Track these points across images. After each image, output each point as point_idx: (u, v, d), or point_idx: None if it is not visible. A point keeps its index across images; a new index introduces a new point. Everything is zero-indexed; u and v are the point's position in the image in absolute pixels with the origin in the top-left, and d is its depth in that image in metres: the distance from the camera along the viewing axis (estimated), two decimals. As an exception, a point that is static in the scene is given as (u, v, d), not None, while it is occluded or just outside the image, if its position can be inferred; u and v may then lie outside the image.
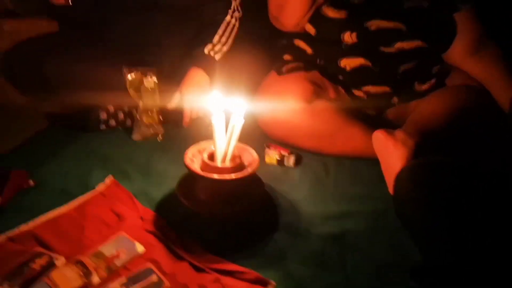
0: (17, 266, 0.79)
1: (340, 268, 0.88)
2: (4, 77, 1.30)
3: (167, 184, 1.07)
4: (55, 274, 0.78)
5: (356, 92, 1.26)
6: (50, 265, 0.80)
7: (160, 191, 1.05)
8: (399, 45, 1.19)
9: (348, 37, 1.20)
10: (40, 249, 0.83)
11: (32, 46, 1.33)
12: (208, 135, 1.07)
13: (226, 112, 0.97)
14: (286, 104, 1.17)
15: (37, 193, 1.00)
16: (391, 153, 1.04)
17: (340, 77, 1.26)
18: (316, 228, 0.97)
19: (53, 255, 0.82)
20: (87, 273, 0.79)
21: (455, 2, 1.22)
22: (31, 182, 1.01)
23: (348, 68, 1.23)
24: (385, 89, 1.24)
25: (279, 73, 1.26)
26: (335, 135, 1.19)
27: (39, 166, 1.08)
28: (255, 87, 1.27)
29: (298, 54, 1.30)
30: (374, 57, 1.21)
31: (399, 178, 0.92)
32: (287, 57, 1.32)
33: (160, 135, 1.27)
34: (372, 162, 1.17)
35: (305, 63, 1.27)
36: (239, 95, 0.99)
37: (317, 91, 1.22)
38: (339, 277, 0.86)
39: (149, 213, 0.97)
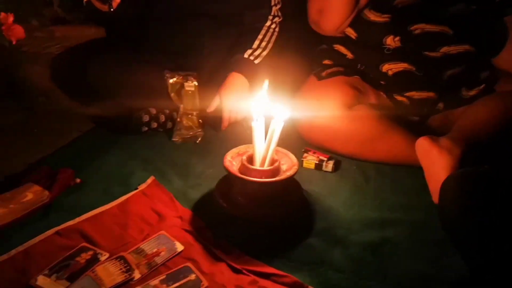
0: (64, 259, 0.82)
1: (380, 278, 0.85)
2: (53, 81, 1.37)
3: (206, 185, 1.09)
4: (99, 269, 0.81)
5: (399, 98, 1.23)
6: (95, 260, 0.82)
7: (198, 192, 1.07)
8: (445, 49, 1.16)
9: (391, 41, 1.18)
10: (85, 244, 0.86)
11: (79, 51, 1.40)
12: (245, 139, 1.08)
13: (266, 116, 0.98)
14: (325, 108, 1.15)
15: (82, 191, 1.04)
16: (436, 161, 1.01)
17: (382, 82, 1.24)
18: (354, 236, 0.95)
19: (97, 250, 0.85)
20: (129, 269, 0.81)
21: (503, 6, 1.17)
22: (77, 181, 1.06)
23: (390, 73, 1.21)
24: (429, 94, 1.21)
25: (319, 77, 1.25)
26: (376, 141, 1.17)
27: (84, 166, 1.12)
28: (294, 92, 1.27)
29: (338, 58, 1.29)
30: (418, 61, 1.18)
31: (445, 188, 0.88)
32: (326, 62, 1.31)
33: (199, 138, 1.29)
34: (414, 170, 1.14)
35: (345, 68, 1.26)
36: (278, 99, 0.99)
37: (358, 96, 1.20)
38: (377, 286, 0.83)
39: (188, 213, 0.98)
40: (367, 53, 1.23)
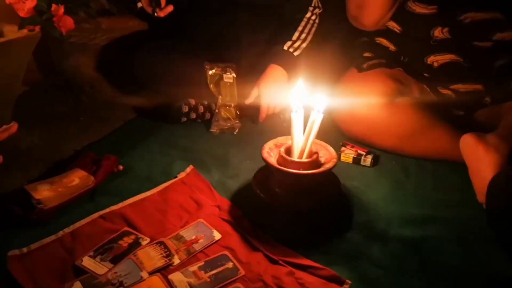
0: (108, 242, 0.86)
1: (420, 275, 0.83)
2: (98, 71, 1.42)
3: (243, 176, 1.10)
4: (140, 253, 0.84)
5: (443, 91, 1.19)
6: (136, 244, 0.85)
7: (236, 182, 1.08)
8: (498, 36, 1.09)
9: (439, 33, 1.13)
10: (127, 229, 0.89)
11: (124, 42, 1.44)
12: (283, 131, 1.08)
13: (305, 108, 0.97)
14: (366, 101, 1.13)
15: (124, 177, 1.08)
16: (482, 159, 0.97)
17: (426, 75, 1.19)
18: (394, 232, 0.93)
19: (139, 235, 0.88)
20: (168, 254, 0.84)
21: None
22: (120, 167, 1.09)
23: (435, 65, 1.16)
24: (476, 87, 1.15)
25: (360, 69, 1.22)
26: (418, 136, 1.13)
27: (127, 153, 1.16)
28: (334, 84, 1.25)
29: (380, 51, 1.25)
30: (466, 52, 1.12)
31: (493, 186, 0.85)
32: (367, 54, 1.28)
33: (236, 129, 1.30)
34: (457, 167, 1.10)
35: (387, 60, 1.23)
36: (318, 91, 0.98)
37: (400, 89, 1.17)
38: (418, 284, 0.81)
39: (226, 203, 1.00)
40: (412, 45, 1.19)
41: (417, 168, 1.14)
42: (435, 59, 1.16)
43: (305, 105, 0.97)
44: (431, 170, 1.13)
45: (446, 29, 1.12)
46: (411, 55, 1.20)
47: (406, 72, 1.21)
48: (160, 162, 1.14)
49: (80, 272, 0.79)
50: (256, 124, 1.32)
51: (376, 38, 1.26)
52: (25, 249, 0.83)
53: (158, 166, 1.12)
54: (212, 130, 1.29)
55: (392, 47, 1.23)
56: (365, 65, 1.22)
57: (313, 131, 0.94)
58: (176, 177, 1.07)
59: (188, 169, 1.10)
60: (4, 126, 0.73)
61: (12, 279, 0.76)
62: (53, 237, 0.87)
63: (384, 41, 1.24)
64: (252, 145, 1.22)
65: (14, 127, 0.74)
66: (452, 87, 1.17)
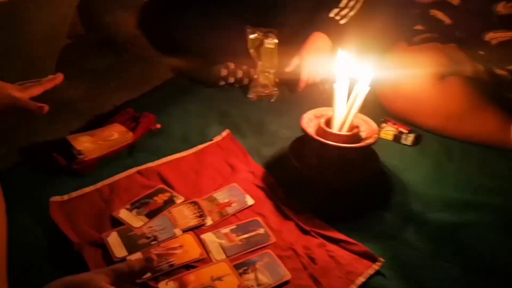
0: (144, 197, 0.87)
1: (457, 261, 0.80)
2: (139, 28, 1.42)
3: (279, 144, 1.08)
4: (174, 210, 0.85)
5: (498, 71, 1.11)
6: (171, 202, 0.87)
7: (271, 150, 1.07)
8: None
9: (503, 8, 1.04)
10: (163, 186, 0.91)
11: (166, 1, 1.42)
12: (321, 103, 1.05)
13: (349, 79, 0.93)
14: (414, 76, 1.08)
15: (162, 136, 1.08)
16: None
17: (481, 52, 1.12)
18: (433, 214, 0.90)
19: (173, 193, 0.89)
20: (201, 214, 0.84)
21: None
22: (158, 126, 1.10)
23: (494, 42, 1.08)
24: (536, 71, 1.07)
25: (410, 43, 1.16)
26: (466, 117, 1.08)
27: (164, 112, 1.16)
28: (381, 57, 1.19)
29: (433, 24, 1.18)
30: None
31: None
32: (419, 27, 1.20)
33: (274, 97, 1.27)
34: (504, 153, 1.04)
35: (440, 35, 1.15)
36: (364, 63, 0.93)
37: (451, 66, 1.10)
38: (454, 270, 0.78)
39: (260, 170, 0.99)
40: (469, 19, 1.11)
41: (461, 151, 1.09)
42: (494, 36, 1.08)
43: (349, 77, 0.93)
44: (476, 155, 1.08)
45: (510, 4, 1.03)
46: (468, 30, 1.12)
47: (459, 49, 1.13)
48: (197, 124, 1.14)
49: (117, 223, 0.81)
50: (294, 93, 1.29)
51: (430, 10, 1.18)
52: (66, 197, 0.86)
53: (195, 128, 1.12)
54: (249, 96, 1.27)
55: (447, 21, 1.15)
56: (416, 39, 1.16)
57: (356, 104, 0.91)
58: (212, 140, 1.07)
59: (224, 133, 1.09)
60: (50, 76, 0.74)
61: (53, 225, 0.79)
62: (92, 188, 0.89)
63: (439, 14, 1.16)
64: (289, 114, 1.20)
65: (59, 77, 0.75)
66: (509, 67, 1.09)
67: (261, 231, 0.83)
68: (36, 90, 0.70)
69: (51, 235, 0.78)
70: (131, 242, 0.77)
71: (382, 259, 0.77)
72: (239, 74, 1.31)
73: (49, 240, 0.77)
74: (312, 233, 0.83)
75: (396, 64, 1.13)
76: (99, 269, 0.50)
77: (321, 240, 0.82)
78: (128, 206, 0.85)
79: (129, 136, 1.02)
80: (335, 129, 0.94)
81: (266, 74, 1.28)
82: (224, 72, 1.29)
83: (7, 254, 0.64)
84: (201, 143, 1.05)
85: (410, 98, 1.09)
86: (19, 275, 0.69)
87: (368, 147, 0.92)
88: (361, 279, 0.74)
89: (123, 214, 0.83)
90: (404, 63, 1.11)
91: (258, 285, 0.71)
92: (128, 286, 0.58)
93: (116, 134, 1.01)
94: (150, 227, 0.81)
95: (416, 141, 1.12)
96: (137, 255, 0.74)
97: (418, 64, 1.09)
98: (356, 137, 0.93)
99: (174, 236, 0.79)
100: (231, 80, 1.30)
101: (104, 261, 0.73)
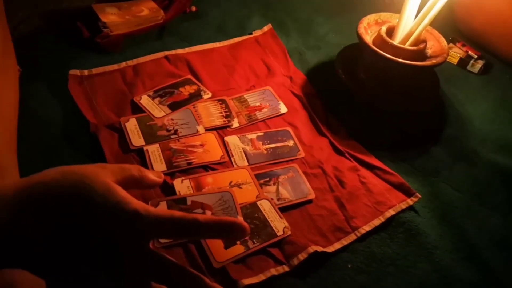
0: (169, 86, 0.80)
1: (504, 211, 0.71)
2: None
3: (325, 51, 0.95)
4: (200, 106, 0.77)
5: None
6: (197, 96, 0.79)
7: (315, 56, 0.94)
8: None
9: None
10: (191, 77, 0.82)
11: None
12: (381, 7, 0.89)
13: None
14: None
15: (196, 21, 0.97)
16: None
17: None
18: (485, 155, 0.79)
19: (201, 86, 0.81)
20: (228, 115, 0.77)
21: None
22: (193, 8, 0.98)
23: None
24: None
25: None
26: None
27: (202, -5, 1.03)
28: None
29: None
30: None
31: None
32: None
33: (329, -6, 1.10)
34: None
35: None
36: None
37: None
38: (496, 221, 0.70)
39: (300, 76, 0.88)
40: None
41: (537, 89, 0.93)
42: None
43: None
44: (554, 96, 0.92)
45: None
46: None
47: None
48: (236, 13, 1.01)
49: (137, 109, 0.75)
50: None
51: None
52: (86, 72, 0.79)
53: (233, 17, 0.99)
54: (301, -12, 1.10)
55: None
56: None
57: (430, 13, 0.75)
58: (251, 34, 0.95)
59: (266, 28, 0.96)
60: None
61: (70, 100, 0.74)
62: (115, 66, 0.81)
63: None
64: (342, 16, 1.05)
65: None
66: None
67: (290, 143, 0.75)
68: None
69: (67, 111, 0.73)
70: (150, 131, 0.71)
71: (418, 195, 0.69)
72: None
73: (65, 116, 0.72)
74: (346, 154, 0.75)
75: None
76: (107, 163, 0.43)
77: (354, 163, 0.74)
78: (150, 93, 0.78)
79: (160, 15, 0.91)
80: (397, 40, 0.80)
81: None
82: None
83: (17, 123, 0.59)
84: (238, 35, 0.93)
85: (496, 14, 0.90)
86: (31, 148, 0.66)
87: (432, 67, 0.78)
88: (391, 212, 0.67)
89: (145, 100, 0.76)
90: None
91: (279, 199, 0.66)
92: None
93: (146, 11, 0.90)
94: (172, 119, 0.74)
95: (484, 70, 0.96)
96: (155, 147, 0.69)
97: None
98: (420, 54, 0.79)
99: (196, 133, 0.73)
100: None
101: (120, 148, 0.69)
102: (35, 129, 0.69)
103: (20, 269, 0.36)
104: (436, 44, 0.81)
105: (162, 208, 0.61)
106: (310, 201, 0.67)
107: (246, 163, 0.70)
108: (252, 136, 0.75)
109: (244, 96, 0.81)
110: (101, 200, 0.37)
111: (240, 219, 0.56)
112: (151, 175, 0.46)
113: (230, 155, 0.71)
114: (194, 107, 0.77)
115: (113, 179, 0.40)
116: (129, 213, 0.37)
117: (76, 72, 0.78)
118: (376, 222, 0.65)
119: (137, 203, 0.38)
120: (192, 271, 0.41)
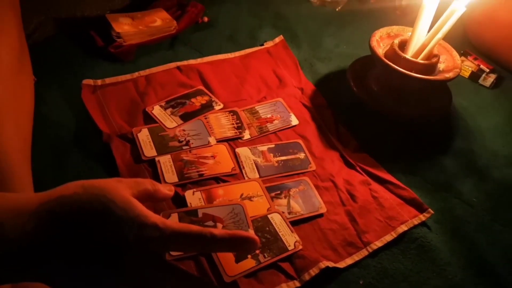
0: (181, 96, 0.80)
1: (515, 226, 0.71)
2: None
3: (336, 62, 0.95)
4: (211, 117, 0.78)
5: None
6: (209, 106, 0.79)
7: (327, 67, 0.94)
8: None
9: None
10: (203, 88, 0.82)
11: None
12: (393, 20, 0.89)
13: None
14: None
15: (208, 31, 0.97)
16: None
17: None
18: (497, 170, 0.78)
19: (213, 97, 0.81)
20: (240, 126, 0.77)
21: None
22: (205, 19, 0.99)
23: None
24: None
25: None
26: None
27: (214, 5, 1.04)
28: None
29: None
30: None
31: None
32: None
33: (340, 5, 1.10)
34: None
35: None
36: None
37: None
38: (509, 236, 0.69)
39: (310, 87, 0.88)
40: None
41: (549, 104, 0.92)
42: None
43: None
44: None
45: None
46: None
47: None
48: (248, 24, 1.01)
49: (149, 119, 0.75)
50: (364, 5, 1.11)
51: None
52: (99, 81, 0.79)
53: (245, 28, 1.00)
54: (312, -1, 1.11)
55: None
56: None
57: (444, 27, 0.75)
58: (262, 44, 0.95)
59: (277, 39, 0.97)
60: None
61: (83, 109, 0.74)
62: (128, 76, 0.82)
63: None
64: (354, 28, 1.05)
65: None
66: None
67: (302, 155, 0.75)
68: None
69: (80, 120, 0.73)
70: (162, 142, 0.72)
71: (431, 210, 0.69)
72: (305, -29, 1.13)
73: (78, 125, 0.73)
74: (358, 168, 0.74)
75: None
76: (122, 178, 0.43)
77: (366, 177, 0.73)
78: (163, 103, 0.78)
79: (173, 25, 0.91)
80: (410, 54, 0.80)
81: (336, -25, 1.09)
82: (288, -34, 1.11)
83: (32, 131, 0.60)
84: (250, 46, 0.94)
85: (508, 27, 0.90)
86: (44, 156, 0.66)
87: (444, 82, 0.78)
88: (403, 227, 0.67)
89: (157, 111, 0.76)
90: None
91: (290, 212, 0.66)
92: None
93: (159, 21, 0.91)
94: (184, 130, 0.74)
95: (496, 83, 0.96)
96: (166, 158, 0.69)
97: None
98: (432, 68, 0.79)
99: (207, 145, 0.73)
100: (295, -23, 1.13)
101: (132, 158, 0.69)
102: (47, 135, 0.69)
103: (38, 282, 0.37)
104: (449, 58, 0.81)
105: (174, 221, 0.61)
106: (321, 215, 0.67)
107: (257, 175, 0.70)
108: (263, 148, 0.75)
109: (256, 107, 0.81)
110: (122, 214, 0.37)
111: (251, 232, 0.56)
112: (162, 189, 0.46)
113: (241, 167, 0.71)
114: (205, 118, 0.77)
115: (130, 193, 0.40)
116: (148, 226, 0.37)
117: (90, 81, 0.79)
118: (388, 237, 0.65)
119: (155, 217, 0.38)
120: (208, 282, 0.41)
